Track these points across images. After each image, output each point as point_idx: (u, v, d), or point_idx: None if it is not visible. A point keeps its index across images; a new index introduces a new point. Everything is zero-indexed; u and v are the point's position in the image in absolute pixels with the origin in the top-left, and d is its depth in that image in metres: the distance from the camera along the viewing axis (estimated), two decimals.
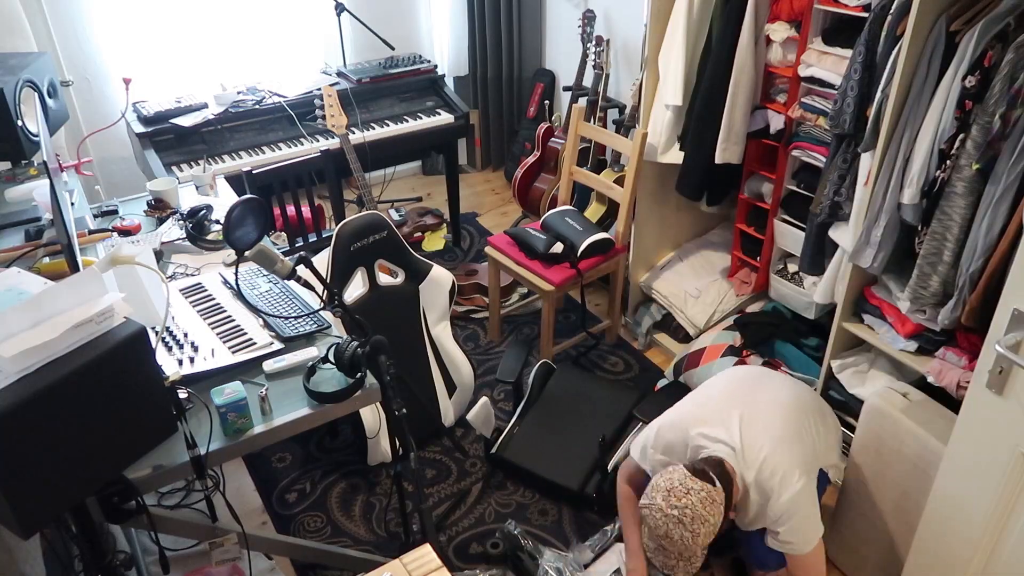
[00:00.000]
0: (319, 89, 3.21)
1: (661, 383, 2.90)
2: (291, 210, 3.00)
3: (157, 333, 1.69)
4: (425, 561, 1.27)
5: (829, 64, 2.25)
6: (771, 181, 2.65)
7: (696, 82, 2.64)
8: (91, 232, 2.29)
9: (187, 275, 2.12)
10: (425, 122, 3.59)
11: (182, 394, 1.59)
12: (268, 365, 1.74)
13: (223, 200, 2.50)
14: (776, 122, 2.51)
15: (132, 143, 3.25)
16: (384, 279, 2.52)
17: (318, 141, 3.32)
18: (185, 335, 1.83)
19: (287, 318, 1.88)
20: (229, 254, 2.20)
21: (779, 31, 2.36)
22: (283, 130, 3.34)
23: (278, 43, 3.90)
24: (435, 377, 2.65)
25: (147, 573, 2.15)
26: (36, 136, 2.50)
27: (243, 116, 3.27)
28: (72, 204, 2.31)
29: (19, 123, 2.42)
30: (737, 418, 1.80)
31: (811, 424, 1.87)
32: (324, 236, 3.10)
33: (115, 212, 2.45)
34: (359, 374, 1.68)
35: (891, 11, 1.96)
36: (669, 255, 3.25)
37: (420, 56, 3.79)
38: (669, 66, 2.65)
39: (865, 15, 2.07)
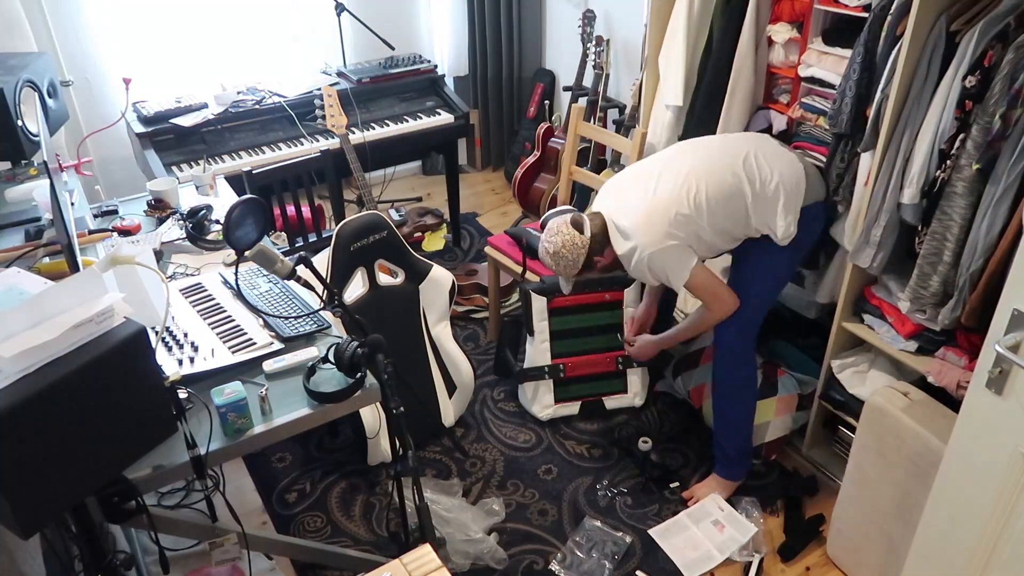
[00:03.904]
0: (319, 89, 3.21)
1: (660, 384, 2.91)
2: (291, 210, 3.00)
3: (157, 333, 1.68)
4: (425, 561, 1.27)
5: (829, 64, 2.25)
6: None
7: (696, 82, 2.64)
8: (91, 232, 2.29)
9: (187, 275, 2.12)
10: (425, 122, 3.60)
11: (182, 394, 1.59)
12: (268, 365, 1.74)
13: (223, 200, 2.50)
14: (779, 123, 2.51)
15: (132, 143, 3.25)
16: (384, 279, 2.52)
17: (318, 141, 3.32)
18: (185, 335, 1.83)
19: (287, 318, 1.88)
20: (229, 254, 2.20)
21: (781, 32, 2.36)
22: (283, 130, 3.34)
23: (278, 43, 3.90)
24: (435, 377, 2.65)
25: (147, 573, 2.15)
26: (36, 136, 2.50)
27: (243, 116, 3.27)
28: (72, 204, 2.31)
29: (19, 123, 2.42)
30: (623, 196, 2.22)
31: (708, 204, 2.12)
32: (324, 236, 3.10)
33: (115, 212, 2.46)
34: (359, 374, 1.68)
35: (891, 11, 1.96)
36: None
37: (420, 56, 3.79)
38: (669, 66, 2.65)
39: (865, 15, 2.07)
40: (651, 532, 2.36)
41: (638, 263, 2.13)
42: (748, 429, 2.43)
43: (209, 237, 2.28)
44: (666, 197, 2.11)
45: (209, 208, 2.33)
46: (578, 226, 2.19)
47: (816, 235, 2.28)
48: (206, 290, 2.02)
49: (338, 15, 3.68)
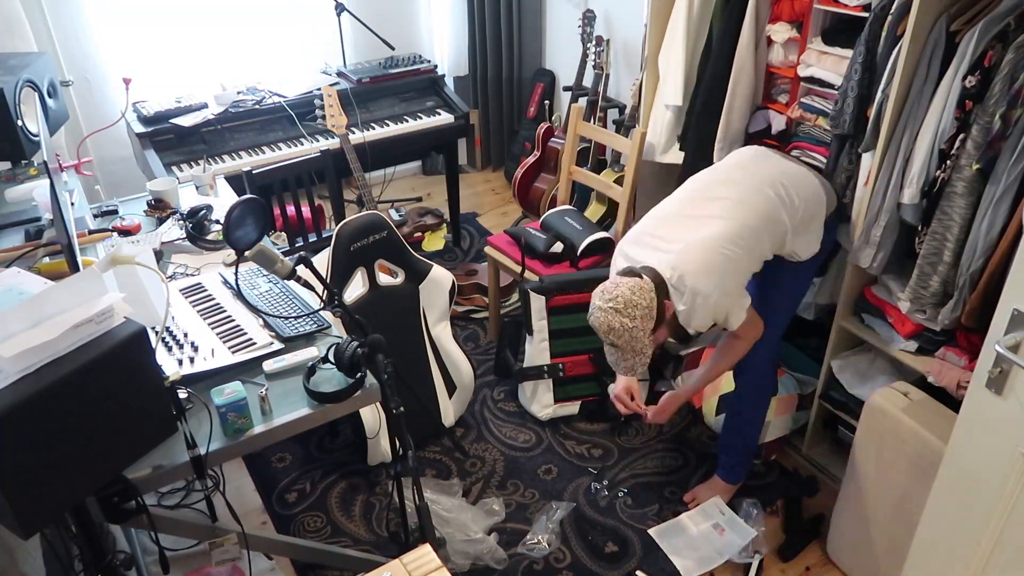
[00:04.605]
0: (319, 89, 3.21)
1: (660, 384, 2.91)
2: (291, 210, 3.00)
3: (157, 333, 1.68)
4: (425, 561, 1.27)
5: (829, 64, 2.25)
6: None
7: (696, 82, 2.64)
8: (91, 232, 2.29)
9: (187, 275, 2.12)
10: (425, 122, 3.59)
11: (182, 394, 1.59)
12: (268, 365, 1.74)
13: (223, 200, 2.50)
14: (778, 123, 2.51)
15: (132, 143, 3.25)
16: (384, 279, 2.52)
17: (318, 141, 3.32)
18: (185, 335, 1.83)
19: (287, 318, 1.88)
20: (229, 254, 2.20)
21: (780, 32, 2.36)
22: (283, 130, 3.34)
23: (278, 43, 3.90)
24: (435, 377, 2.65)
25: (147, 573, 2.15)
26: (36, 136, 2.50)
27: (243, 116, 3.27)
28: (72, 204, 2.31)
29: (19, 123, 2.42)
30: (661, 237, 1.97)
31: (747, 237, 1.95)
32: (324, 236, 3.10)
33: (115, 212, 2.45)
34: (359, 374, 1.68)
35: (891, 11, 1.96)
36: None
37: (420, 56, 3.79)
38: (669, 66, 2.65)
39: (865, 15, 2.06)
40: (651, 532, 2.36)
41: (702, 310, 1.88)
42: (757, 435, 2.45)
43: (209, 237, 2.28)
44: (712, 239, 1.92)
45: (209, 208, 2.33)
46: (628, 272, 1.92)
47: (830, 246, 2.24)
48: (206, 290, 2.02)
49: (338, 15, 3.68)
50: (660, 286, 1.86)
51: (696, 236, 1.92)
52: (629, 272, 1.89)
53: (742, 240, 1.93)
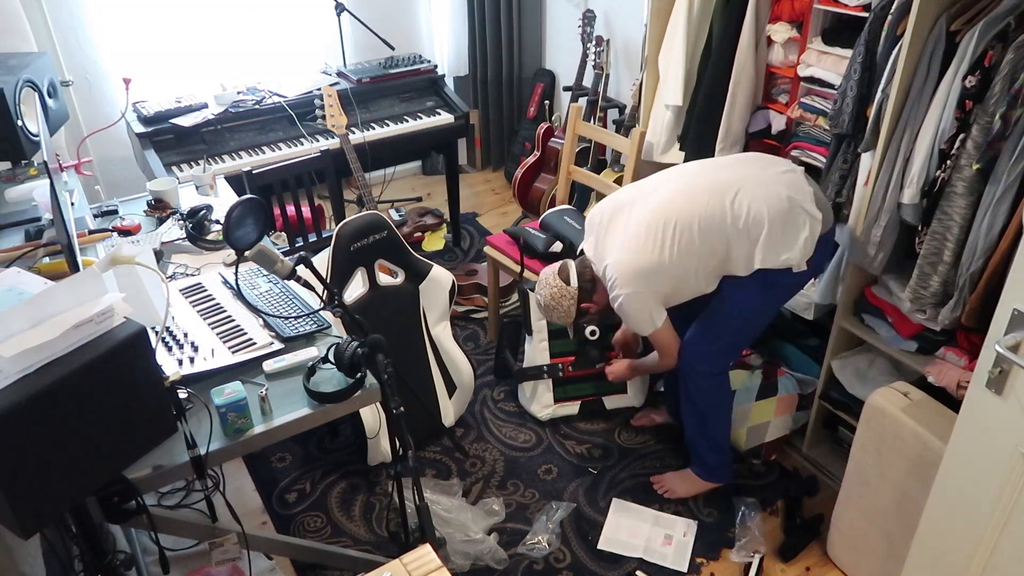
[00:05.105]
0: (319, 89, 3.21)
1: (660, 384, 2.91)
2: (291, 210, 3.00)
3: (157, 333, 1.69)
4: (425, 561, 1.27)
5: (829, 64, 2.25)
6: None
7: (696, 82, 2.64)
8: (91, 232, 2.29)
9: (187, 275, 2.12)
10: (425, 122, 3.60)
11: (182, 394, 1.59)
12: (268, 365, 1.74)
13: (223, 200, 2.50)
14: (778, 123, 2.51)
15: (132, 143, 3.25)
16: (384, 279, 2.52)
17: (318, 141, 3.32)
18: (185, 335, 1.83)
19: (287, 318, 1.88)
20: (229, 254, 2.20)
21: (781, 32, 2.36)
22: (283, 130, 3.34)
23: (278, 43, 3.90)
24: (435, 377, 2.65)
25: (147, 573, 2.15)
26: (36, 136, 2.50)
27: (243, 116, 3.27)
28: (72, 204, 2.31)
29: (19, 123, 2.43)
30: (604, 233, 2.18)
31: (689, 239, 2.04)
32: (324, 236, 3.10)
33: (115, 212, 2.45)
34: (359, 374, 1.68)
35: (891, 11, 1.96)
36: None
37: (420, 56, 3.79)
38: (669, 66, 2.65)
39: (865, 15, 2.07)
40: (615, 500, 2.44)
41: (617, 308, 2.12)
42: (724, 439, 2.42)
43: (209, 237, 2.28)
44: (639, 240, 2.05)
45: (209, 208, 2.33)
46: (565, 277, 2.23)
47: (820, 270, 2.21)
48: (206, 290, 2.02)
49: (338, 15, 3.68)
50: (591, 277, 2.22)
51: (626, 236, 2.09)
52: (564, 272, 2.24)
53: (663, 245, 2.03)
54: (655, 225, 2.04)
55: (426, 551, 1.29)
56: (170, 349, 1.78)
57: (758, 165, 2.13)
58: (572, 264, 2.26)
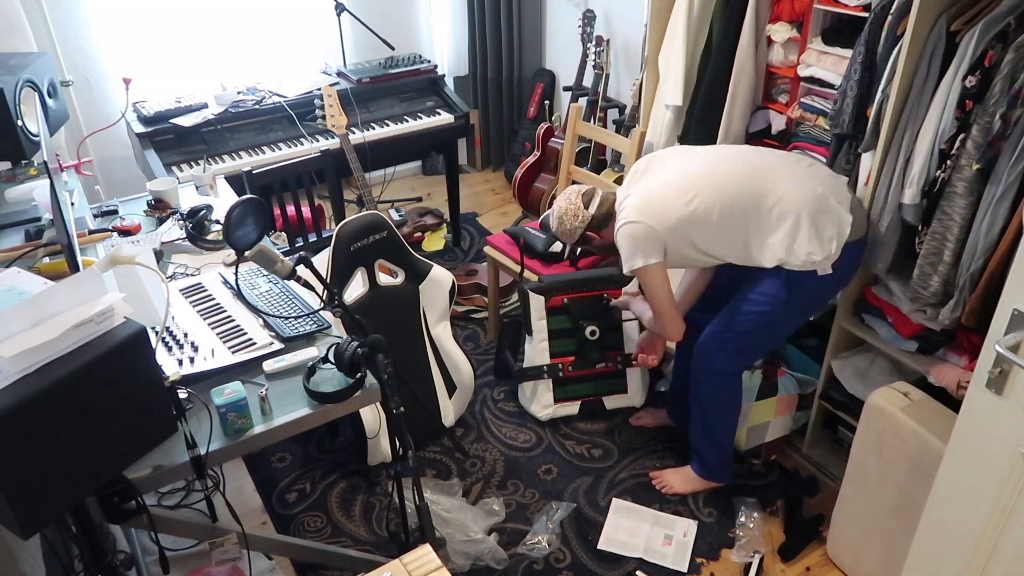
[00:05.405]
0: (319, 89, 3.21)
1: (660, 384, 2.91)
2: (291, 210, 3.00)
3: (157, 333, 1.69)
4: (425, 561, 1.27)
5: (829, 64, 2.25)
6: None
7: (696, 82, 2.64)
8: (91, 232, 2.29)
9: (187, 275, 2.12)
10: (425, 122, 3.60)
11: (182, 394, 1.59)
12: (268, 365, 1.74)
13: (223, 200, 2.50)
14: (778, 123, 2.51)
15: (132, 143, 3.25)
16: (384, 279, 2.52)
17: (318, 141, 3.32)
18: (185, 335, 1.83)
19: (287, 318, 1.88)
20: (229, 254, 2.20)
21: (781, 32, 2.36)
22: (283, 130, 3.34)
23: (278, 43, 3.90)
24: (435, 377, 2.65)
25: (147, 573, 2.15)
26: (36, 136, 2.50)
27: (243, 116, 3.27)
28: (72, 204, 2.31)
29: (19, 123, 2.42)
30: (639, 178, 2.21)
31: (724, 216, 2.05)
32: (324, 236, 3.10)
33: (115, 212, 2.45)
34: (359, 374, 1.68)
35: (891, 11, 1.96)
36: None
37: (420, 56, 3.79)
38: (669, 66, 2.65)
39: (865, 15, 2.07)
40: (615, 501, 2.43)
41: (616, 238, 2.14)
42: (729, 439, 2.41)
43: (209, 237, 2.28)
44: (665, 189, 2.10)
45: (209, 208, 2.33)
46: (587, 200, 2.25)
47: (848, 278, 2.17)
48: (206, 290, 2.02)
49: (338, 15, 3.68)
50: (608, 211, 2.23)
51: (660, 179, 2.14)
52: (588, 195, 2.27)
53: (699, 195, 2.04)
54: (686, 183, 2.08)
55: (426, 551, 1.29)
56: (170, 349, 1.78)
57: (804, 162, 2.15)
58: (599, 191, 2.28)
